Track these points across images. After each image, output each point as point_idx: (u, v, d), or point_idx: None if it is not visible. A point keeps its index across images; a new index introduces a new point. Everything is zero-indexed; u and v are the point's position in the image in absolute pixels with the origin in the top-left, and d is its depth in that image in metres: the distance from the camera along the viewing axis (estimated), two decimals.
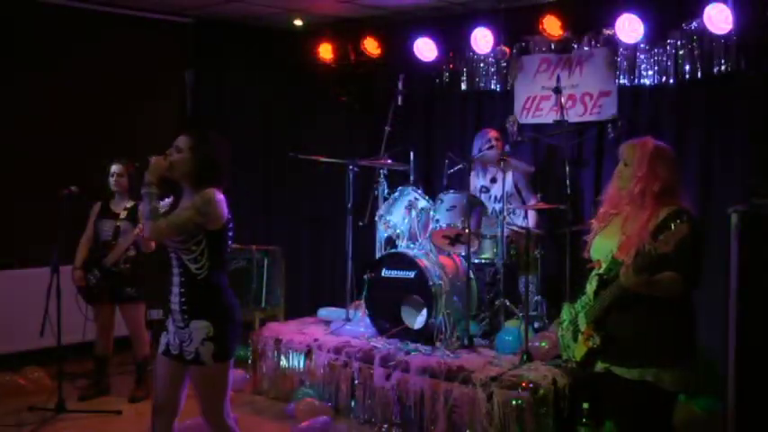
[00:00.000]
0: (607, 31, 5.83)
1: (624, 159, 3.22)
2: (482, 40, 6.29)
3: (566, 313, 3.39)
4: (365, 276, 5.64)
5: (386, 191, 6.05)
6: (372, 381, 5.02)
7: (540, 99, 6.32)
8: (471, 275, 5.40)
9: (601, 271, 3.18)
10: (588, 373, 3.30)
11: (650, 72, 5.68)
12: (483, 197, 5.90)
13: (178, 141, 3.38)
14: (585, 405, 4.25)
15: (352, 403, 5.16)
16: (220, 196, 3.29)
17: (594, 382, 3.39)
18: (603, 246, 3.21)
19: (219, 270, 3.35)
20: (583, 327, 3.22)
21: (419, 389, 4.76)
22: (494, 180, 5.94)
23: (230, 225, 3.37)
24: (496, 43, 6.30)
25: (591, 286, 3.22)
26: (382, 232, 6.00)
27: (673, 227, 2.81)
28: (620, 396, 3.15)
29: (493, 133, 5.97)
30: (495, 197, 5.90)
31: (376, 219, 5.91)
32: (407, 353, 5.05)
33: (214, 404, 3.40)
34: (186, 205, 3.27)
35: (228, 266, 3.73)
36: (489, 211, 5.75)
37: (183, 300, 3.29)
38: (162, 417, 3.45)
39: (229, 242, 3.40)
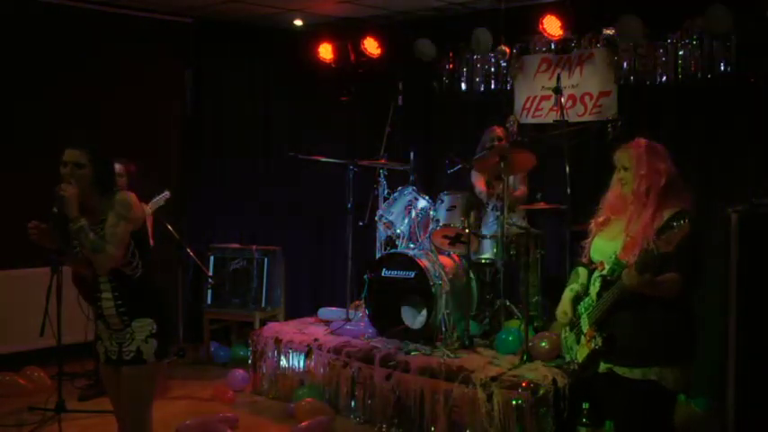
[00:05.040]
0: (607, 31, 5.84)
1: (622, 165, 3.23)
2: (482, 39, 6.29)
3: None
4: (365, 276, 5.64)
5: (386, 191, 6.05)
6: (372, 381, 5.02)
7: (540, 99, 6.32)
8: (471, 275, 5.40)
9: (604, 272, 3.18)
10: (591, 374, 3.30)
11: (650, 72, 5.69)
12: (483, 195, 5.90)
13: (73, 158, 3.27)
14: (585, 405, 4.24)
15: (352, 403, 5.16)
16: (134, 195, 3.30)
17: (595, 382, 3.39)
18: (606, 247, 3.21)
19: (149, 267, 3.34)
20: (585, 328, 3.23)
21: (419, 389, 4.76)
22: (496, 178, 5.92)
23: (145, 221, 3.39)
24: (496, 43, 6.30)
25: (594, 288, 3.22)
26: (382, 232, 6.00)
27: (675, 226, 2.82)
28: (623, 396, 3.15)
29: (498, 132, 5.96)
30: (497, 195, 5.88)
31: (376, 219, 5.91)
32: (407, 353, 5.05)
33: (142, 407, 3.33)
34: (111, 221, 3.21)
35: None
36: (489, 208, 5.74)
37: (120, 302, 3.25)
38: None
39: (149, 237, 3.40)
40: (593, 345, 3.18)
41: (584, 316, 3.25)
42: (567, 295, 3.38)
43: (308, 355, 5.45)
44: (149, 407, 3.35)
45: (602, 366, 3.21)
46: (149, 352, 3.25)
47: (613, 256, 3.14)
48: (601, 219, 3.32)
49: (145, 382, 3.31)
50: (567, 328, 3.37)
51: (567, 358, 3.47)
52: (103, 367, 3.40)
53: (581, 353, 3.26)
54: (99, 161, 3.29)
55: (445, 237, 5.54)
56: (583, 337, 3.24)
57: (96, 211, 3.26)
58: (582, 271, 3.38)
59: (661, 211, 3.07)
